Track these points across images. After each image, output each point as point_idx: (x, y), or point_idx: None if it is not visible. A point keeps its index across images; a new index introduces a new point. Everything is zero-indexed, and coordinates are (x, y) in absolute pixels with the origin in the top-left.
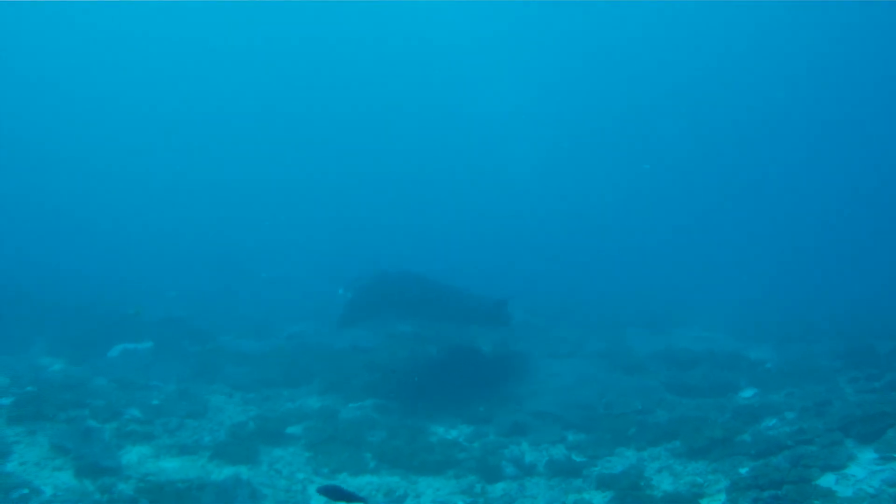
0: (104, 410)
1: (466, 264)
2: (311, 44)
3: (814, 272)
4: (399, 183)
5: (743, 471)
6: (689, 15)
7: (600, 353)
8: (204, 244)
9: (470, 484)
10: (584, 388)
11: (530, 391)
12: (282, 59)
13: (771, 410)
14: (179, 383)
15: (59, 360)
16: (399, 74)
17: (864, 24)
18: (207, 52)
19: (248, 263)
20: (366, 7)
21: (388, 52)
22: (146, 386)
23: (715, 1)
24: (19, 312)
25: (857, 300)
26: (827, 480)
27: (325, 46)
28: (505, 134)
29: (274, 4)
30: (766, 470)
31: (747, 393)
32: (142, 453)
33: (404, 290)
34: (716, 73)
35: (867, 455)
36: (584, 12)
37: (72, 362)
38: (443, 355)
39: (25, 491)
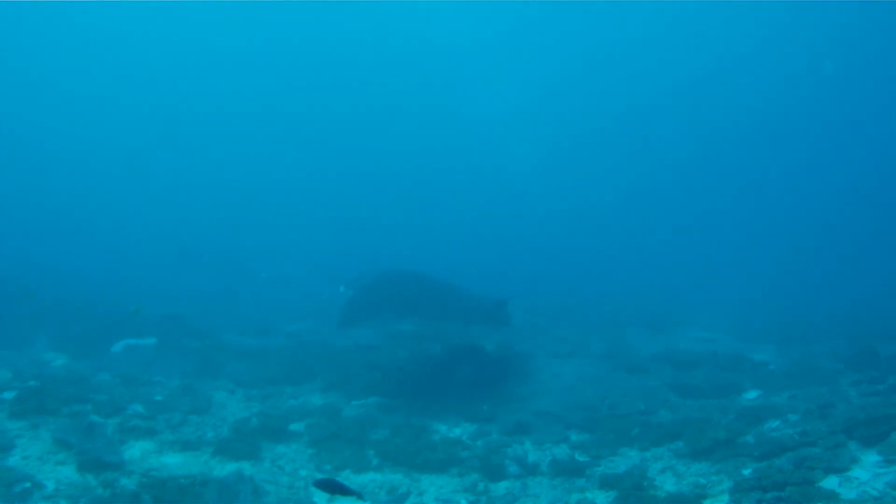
0: (107, 405)
1: (467, 264)
2: (313, 44)
3: (816, 273)
4: (400, 183)
5: (746, 472)
6: (689, 15)
7: (603, 354)
8: (205, 243)
9: (473, 482)
10: (587, 389)
11: (533, 391)
12: (283, 59)
13: (774, 412)
14: (182, 379)
15: (62, 355)
16: (400, 74)
17: (863, 25)
18: (208, 52)
19: (249, 263)
20: (366, 7)
21: (389, 53)
22: (149, 382)
23: (715, 1)
24: (22, 308)
25: (860, 302)
26: (830, 482)
27: (327, 47)
28: (505, 134)
29: (274, 5)
30: (769, 471)
31: (750, 394)
32: (144, 448)
33: (404, 289)
34: (716, 74)
35: (871, 458)
36: (584, 12)
37: (75, 358)
38: (446, 354)
39: (28, 485)
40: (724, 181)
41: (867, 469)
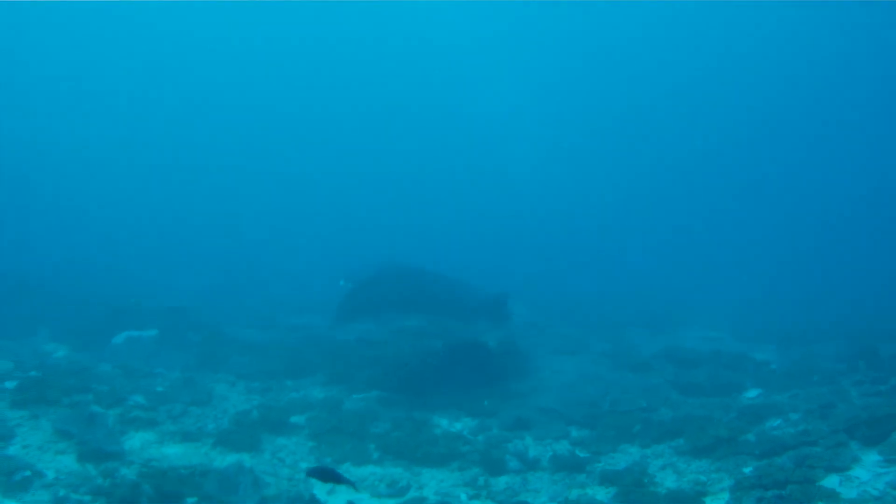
0: (108, 396)
1: (470, 263)
2: (322, 43)
3: (817, 273)
4: (404, 182)
5: (747, 470)
6: (688, 15)
7: (604, 352)
8: (209, 238)
9: (473, 476)
10: (589, 386)
11: (534, 387)
12: (292, 58)
13: (775, 411)
14: (184, 371)
15: (64, 346)
16: (404, 74)
17: (864, 25)
18: (217, 49)
19: (253, 257)
20: (370, 7)
21: (394, 53)
22: (150, 373)
23: (714, 1)
24: (24, 299)
25: (862, 302)
26: (831, 482)
27: (335, 46)
28: (507, 132)
29: (280, 5)
30: (770, 470)
31: (752, 393)
32: (145, 439)
33: (403, 284)
34: (717, 73)
35: (871, 457)
36: (584, 12)
37: (76, 349)
38: (448, 350)
39: (28, 473)
40: (726, 180)
41: (868, 469)
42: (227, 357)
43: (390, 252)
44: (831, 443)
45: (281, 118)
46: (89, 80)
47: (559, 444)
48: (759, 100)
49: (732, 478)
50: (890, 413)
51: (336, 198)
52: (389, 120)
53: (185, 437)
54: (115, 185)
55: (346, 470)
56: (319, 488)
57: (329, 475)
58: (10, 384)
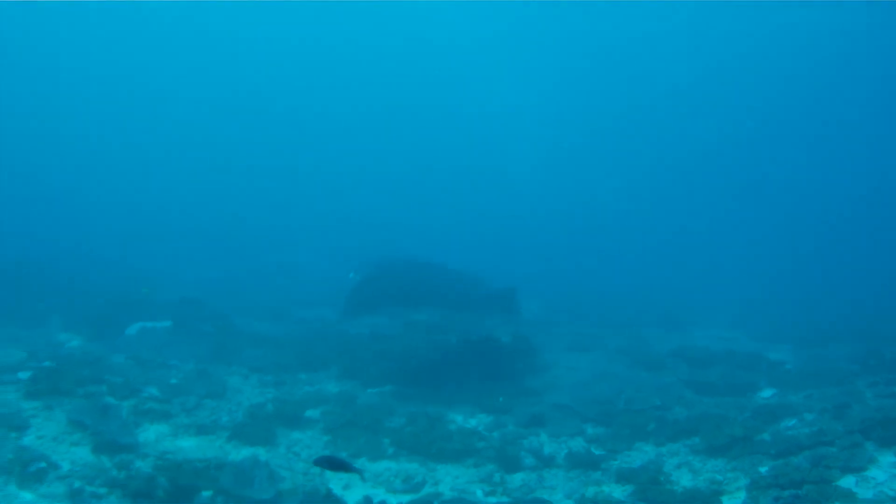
0: (122, 388)
1: (481, 260)
2: (337, 43)
3: (833, 272)
4: (415, 178)
5: (763, 469)
6: (691, 15)
7: (618, 349)
8: (220, 230)
9: (489, 473)
10: (603, 383)
11: (549, 384)
12: (302, 56)
13: (790, 411)
14: (198, 363)
15: (77, 336)
16: (415, 70)
17: (865, 25)
18: (228, 47)
19: (263, 249)
20: (382, 8)
21: (405, 51)
22: (164, 364)
23: (716, 1)
24: (37, 288)
25: (877, 302)
26: (847, 482)
27: (349, 45)
28: (519, 129)
29: (291, 5)
30: (786, 469)
31: (766, 393)
32: (159, 431)
33: (412, 276)
34: (728, 70)
35: (887, 458)
36: (588, 12)
37: (89, 339)
38: (462, 345)
39: (43, 465)
40: (736, 178)
41: (884, 469)
42: (241, 349)
43: (400, 246)
44: (847, 443)
45: (292, 114)
46: (101, 75)
47: (574, 442)
48: (767, 98)
49: (748, 477)
50: None
51: (347, 192)
52: (401, 115)
53: (200, 430)
54: (127, 178)
55: (362, 465)
56: (335, 483)
57: (336, 464)
58: (23, 374)
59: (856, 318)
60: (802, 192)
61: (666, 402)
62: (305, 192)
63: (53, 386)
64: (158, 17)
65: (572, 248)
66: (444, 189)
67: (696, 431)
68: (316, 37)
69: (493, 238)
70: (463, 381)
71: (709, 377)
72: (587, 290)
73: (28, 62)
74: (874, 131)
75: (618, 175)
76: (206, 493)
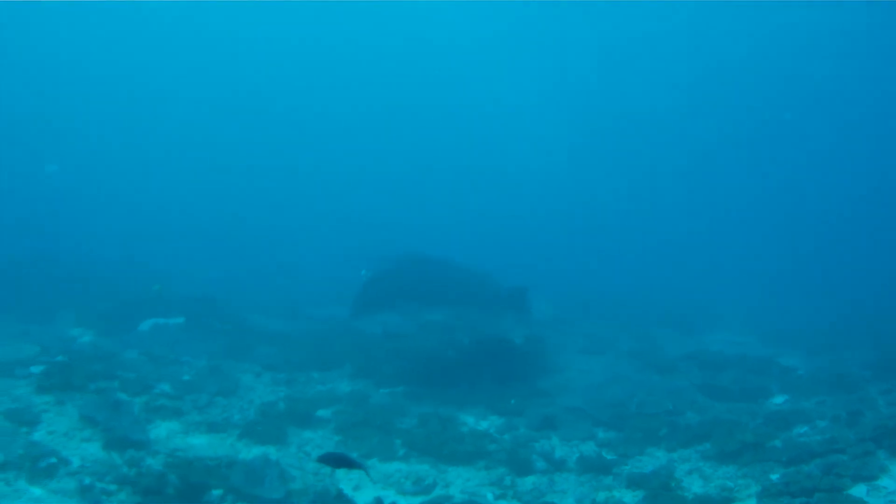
0: (134, 384)
1: (494, 261)
2: (340, 41)
3: (844, 276)
4: (427, 177)
5: (774, 477)
6: (696, 14)
7: (631, 352)
8: (231, 228)
9: (500, 476)
10: (615, 386)
11: (561, 386)
12: (311, 54)
13: (802, 418)
14: (210, 360)
15: (89, 331)
16: (426, 68)
17: (870, 25)
18: (242, 46)
19: (275, 247)
20: (386, 8)
21: (414, 51)
22: (176, 361)
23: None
24: (50, 284)
25: (889, 306)
26: (859, 491)
27: (357, 44)
28: (529, 129)
29: (300, 5)
30: (797, 477)
31: (778, 399)
32: (171, 428)
33: (423, 274)
34: (737, 71)
35: None
36: (590, 12)
37: (102, 334)
38: (474, 345)
39: (53, 460)
40: (746, 180)
41: (895, 479)
42: (253, 347)
43: (410, 244)
44: (859, 451)
45: (297, 113)
46: (105, 74)
47: (586, 446)
48: (782, 97)
49: (759, 484)
50: None
51: (355, 191)
52: (408, 114)
53: (211, 428)
54: (134, 176)
55: (373, 466)
56: (346, 483)
57: (341, 460)
58: (35, 369)
59: (867, 322)
60: (812, 193)
61: (678, 406)
62: (314, 191)
63: (65, 381)
64: (158, 17)
65: (583, 248)
66: (457, 189)
67: (707, 437)
68: (320, 36)
69: (504, 238)
70: (475, 382)
71: (721, 382)
72: (598, 291)
73: (30, 62)
74: (881, 132)
75: (626, 175)
76: (217, 492)
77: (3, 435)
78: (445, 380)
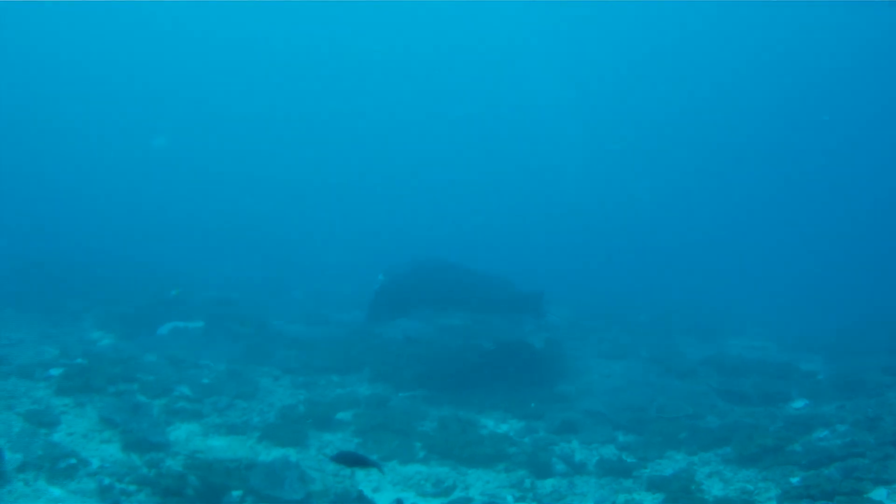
0: (154, 386)
1: (513, 267)
2: (360, 44)
3: (866, 283)
4: (449, 183)
5: (794, 480)
6: (726, 15)
7: (650, 357)
8: (253, 232)
9: (520, 478)
10: (635, 390)
11: (581, 390)
12: (341, 57)
13: (822, 422)
14: (230, 363)
15: (109, 334)
16: (442, 72)
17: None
18: (255, 47)
19: (297, 252)
20: (406, 9)
21: (434, 54)
22: (196, 364)
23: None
24: (69, 286)
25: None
26: (879, 494)
27: (385, 48)
28: (548, 137)
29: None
30: (817, 480)
31: (798, 403)
32: (190, 431)
33: (440, 278)
34: (762, 72)
35: None
36: (625, 13)
37: (122, 337)
38: (495, 350)
39: (73, 461)
40: (772, 185)
41: None
42: (273, 350)
43: (430, 249)
44: (879, 455)
45: (323, 116)
46: (133, 76)
47: (606, 449)
48: (805, 99)
49: (779, 487)
50: None
51: (381, 195)
52: (434, 118)
53: (231, 430)
54: (161, 179)
55: (392, 468)
56: (366, 485)
57: (354, 459)
58: (55, 371)
59: (887, 327)
60: (832, 197)
61: (698, 410)
62: (336, 196)
63: (85, 383)
64: (183, 18)
65: (602, 253)
66: (485, 191)
67: (727, 441)
68: (341, 39)
69: (525, 244)
70: (495, 385)
71: (741, 386)
72: (617, 296)
73: (40, 62)
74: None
75: (647, 181)
76: (237, 493)
77: (23, 436)
78: (465, 384)
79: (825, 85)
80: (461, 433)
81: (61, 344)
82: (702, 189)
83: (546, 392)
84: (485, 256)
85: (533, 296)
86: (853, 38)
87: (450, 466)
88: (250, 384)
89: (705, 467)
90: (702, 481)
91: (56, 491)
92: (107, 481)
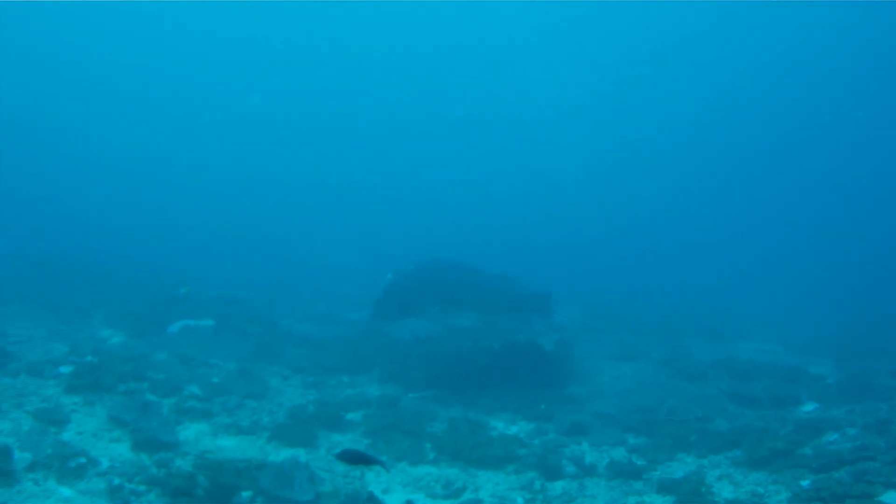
0: (163, 385)
1: (523, 269)
2: (380, 45)
3: (875, 287)
4: (458, 184)
5: (804, 483)
6: (735, 16)
7: (660, 359)
8: (264, 232)
9: (530, 480)
10: (645, 393)
11: (591, 392)
12: (351, 60)
13: (832, 425)
14: (239, 363)
15: (120, 332)
16: (448, 72)
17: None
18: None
19: (306, 251)
20: (413, 9)
21: (443, 55)
22: (206, 363)
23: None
24: (80, 284)
25: None
26: (890, 497)
27: (393, 49)
28: (556, 139)
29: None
30: (828, 483)
31: (808, 407)
32: (200, 430)
33: (450, 279)
34: (769, 73)
35: None
36: (627, 13)
37: (132, 335)
38: (504, 351)
39: (83, 460)
40: (781, 188)
41: None
42: (283, 350)
43: (436, 250)
44: (889, 458)
45: (329, 116)
46: (134, 77)
47: (616, 451)
48: (811, 101)
49: (790, 490)
50: None
51: (388, 195)
52: (442, 119)
53: (241, 430)
54: (171, 179)
55: (402, 470)
56: (375, 486)
57: (358, 457)
58: (65, 369)
59: (895, 330)
60: (841, 200)
61: (708, 413)
62: (347, 196)
63: (94, 381)
64: (185, 18)
65: (612, 256)
66: (487, 196)
67: (737, 443)
68: (342, 39)
69: (536, 247)
70: (505, 387)
71: (751, 390)
72: (628, 299)
73: (40, 62)
74: None
75: (654, 182)
76: (246, 494)
77: (33, 435)
78: (475, 385)
79: (838, 84)
80: (471, 434)
81: (71, 341)
82: (709, 190)
83: (556, 393)
84: (493, 258)
85: (540, 296)
86: (853, 39)
87: (460, 468)
88: (260, 384)
89: (715, 470)
90: (712, 484)
91: (66, 491)
92: (116, 481)
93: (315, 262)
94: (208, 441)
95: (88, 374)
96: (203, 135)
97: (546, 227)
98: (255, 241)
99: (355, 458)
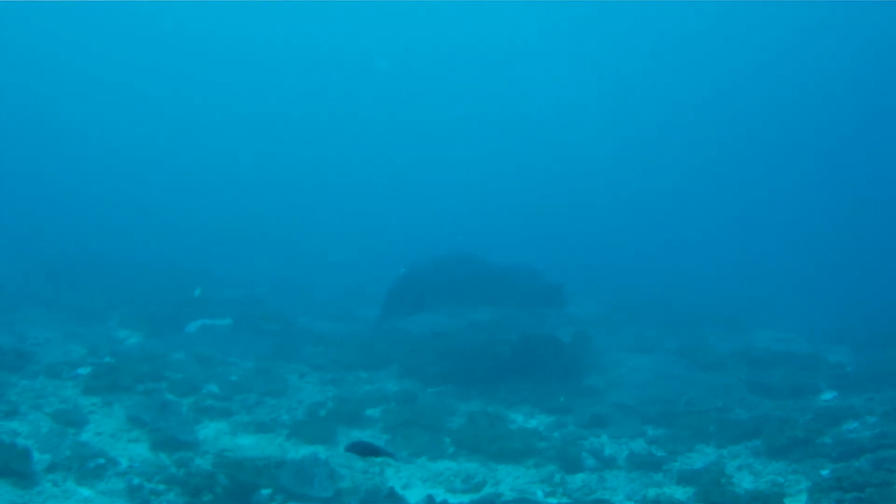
0: (182, 384)
1: (538, 260)
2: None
3: (892, 274)
4: (476, 177)
5: (824, 472)
6: (746, 14)
7: (678, 350)
8: (281, 230)
9: (550, 473)
10: (663, 384)
11: (609, 384)
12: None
13: (851, 414)
14: (258, 361)
15: (137, 333)
16: (464, 67)
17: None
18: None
19: (323, 249)
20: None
21: (459, 50)
22: (224, 362)
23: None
24: (97, 285)
25: None
26: None
27: (404, 47)
28: (572, 132)
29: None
30: (848, 472)
31: (827, 395)
32: (219, 429)
33: (465, 274)
34: (782, 68)
35: None
36: (637, 12)
37: (149, 336)
38: (522, 344)
39: (102, 461)
40: (800, 177)
41: None
42: (301, 347)
43: (460, 244)
44: None
45: (348, 114)
46: (152, 78)
47: (635, 443)
48: (827, 94)
49: (810, 479)
50: None
51: (403, 193)
52: (460, 114)
53: (260, 428)
54: (177, 180)
55: (422, 465)
56: (395, 481)
57: (367, 449)
58: (83, 370)
59: None
60: (858, 189)
61: (727, 403)
62: (353, 194)
63: (113, 382)
64: (186, 18)
65: (630, 248)
66: (512, 186)
67: (757, 433)
68: (357, 40)
69: (554, 240)
70: (523, 380)
71: (769, 379)
72: (645, 290)
73: (41, 62)
74: None
75: (671, 174)
76: (266, 491)
77: (52, 436)
78: (493, 378)
79: (842, 80)
80: (490, 428)
81: (88, 343)
82: (725, 183)
83: (574, 386)
84: (510, 253)
85: (554, 288)
86: (853, 39)
87: (479, 462)
88: (279, 381)
89: (735, 460)
90: (732, 474)
91: (85, 491)
92: (136, 481)
93: (324, 261)
94: (227, 439)
95: (106, 374)
96: (206, 135)
97: (564, 224)
98: (262, 240)
99: (364, 450)
